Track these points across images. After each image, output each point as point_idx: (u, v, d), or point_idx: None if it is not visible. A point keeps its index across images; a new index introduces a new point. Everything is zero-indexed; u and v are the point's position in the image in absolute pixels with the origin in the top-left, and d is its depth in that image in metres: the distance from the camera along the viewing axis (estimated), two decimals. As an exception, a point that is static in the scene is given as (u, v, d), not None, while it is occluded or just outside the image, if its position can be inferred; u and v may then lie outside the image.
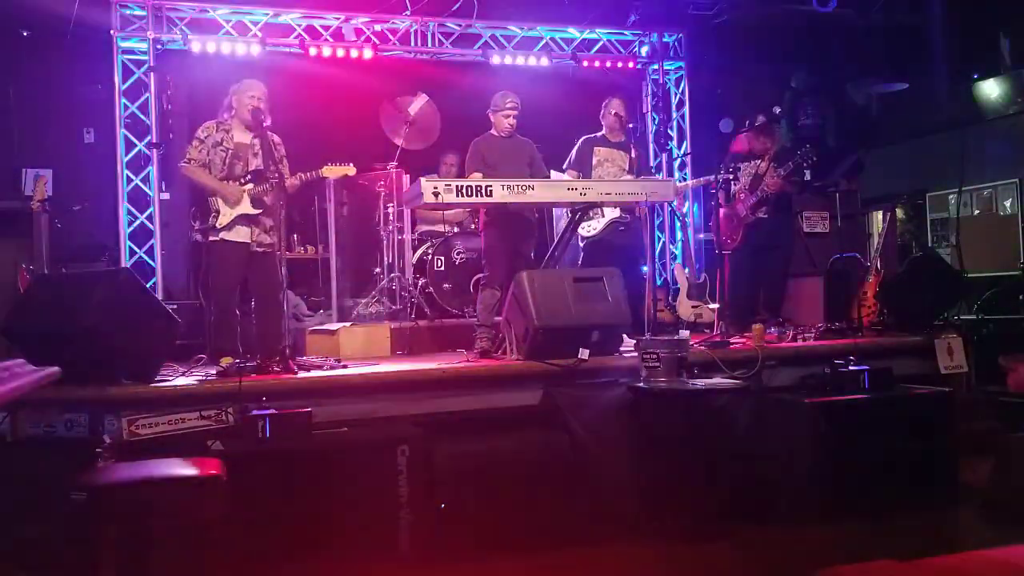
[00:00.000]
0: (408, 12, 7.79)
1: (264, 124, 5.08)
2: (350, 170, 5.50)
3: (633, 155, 6.27)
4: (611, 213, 6.22)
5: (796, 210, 7.26)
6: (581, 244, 6.39)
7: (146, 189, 7.25)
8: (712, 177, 6.45)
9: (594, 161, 6.31)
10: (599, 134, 6.45)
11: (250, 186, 5.24)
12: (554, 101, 7.59)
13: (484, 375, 4.79)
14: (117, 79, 7.20)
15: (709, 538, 4.25)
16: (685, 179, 8.58)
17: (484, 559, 4.03)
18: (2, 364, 1.67)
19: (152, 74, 7.20)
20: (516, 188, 5.28)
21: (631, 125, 6.50)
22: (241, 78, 5.42)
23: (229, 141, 5.27)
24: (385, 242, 7.06)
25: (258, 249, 5.30)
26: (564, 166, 6.41)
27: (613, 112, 6.37)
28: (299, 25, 7.63)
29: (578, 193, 5.47)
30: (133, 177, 7.25)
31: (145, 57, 7.24)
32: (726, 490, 4.40)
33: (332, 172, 5.45)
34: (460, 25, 8.01)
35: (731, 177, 6.51)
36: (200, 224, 5.23)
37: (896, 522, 4.39)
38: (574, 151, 6.41)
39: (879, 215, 9.03)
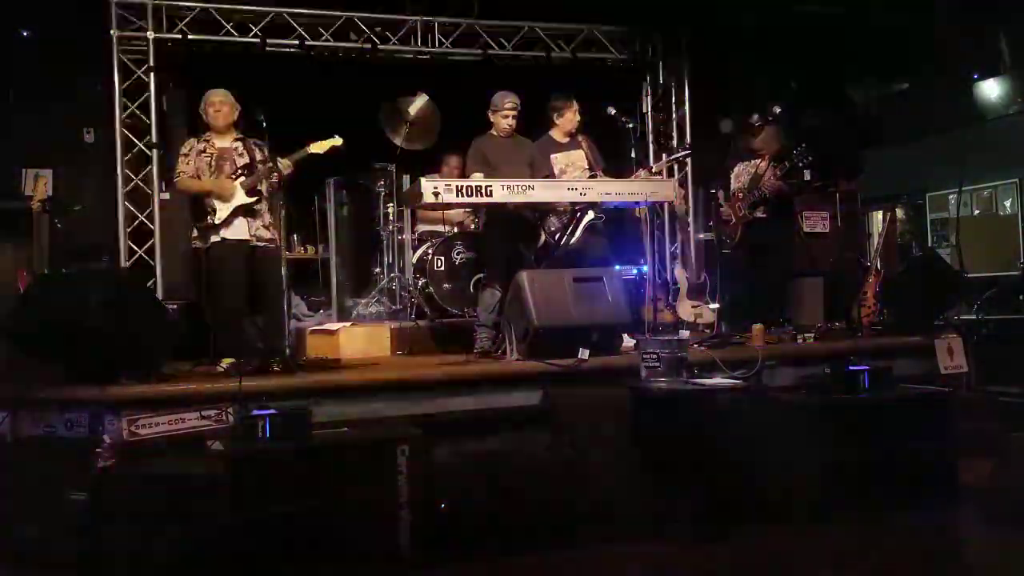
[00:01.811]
0: (408, 12, 7.79)
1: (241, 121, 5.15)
2: (336, 141, 5.53)
3: (586, 147, 6.03)
4: (586, 216, 5.82)
5: (796, 210, 7.26)
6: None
7: (146, 189, 7.24)
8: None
9: (556, 170, 5.98)
10: (548, 139, 6.07)
11: (242, 178, 5.29)
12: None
13: (484, 375, 4.80)
14: (117, 79, 7.18)
15: (709, 538, 4.25)
16: (686, 179, 8.55)
17: (484, 559, 4.03)
18: None
19: (152, 74, 7.20)
20: (516, 188, 5.28)
21: (625, 120, 6.28)
22: (208, 88, 5.49)
23: (212, 148, 5.38)
24: (385, 242, 7.07)
25: (258, 244, 5.28)
26: None
27: (574, 114, 6.00)
28: (299, 25, 7.63)
29: (578, 193, 5.46)
30: (133, 177, 7.24)
31: (145, 57, 7.24)
32: (726, 490, 4.39)
33: (319, 147, 5.49)
34: (460, 25, 8.00)
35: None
36: (198, 228, 5.25)
37: (896, 522, 4.39)
38: None
39: (879, 215, 9.04)
